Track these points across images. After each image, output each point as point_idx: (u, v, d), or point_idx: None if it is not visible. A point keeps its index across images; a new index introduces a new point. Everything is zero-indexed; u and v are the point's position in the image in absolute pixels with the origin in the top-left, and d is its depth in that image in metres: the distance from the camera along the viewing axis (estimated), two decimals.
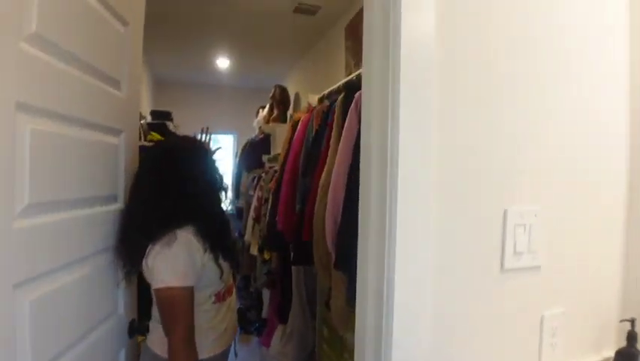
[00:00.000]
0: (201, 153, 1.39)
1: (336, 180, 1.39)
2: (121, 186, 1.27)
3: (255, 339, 3.43)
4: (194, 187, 1.29)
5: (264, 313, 3.19)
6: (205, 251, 1.26)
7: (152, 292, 1.22)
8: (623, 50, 0.97)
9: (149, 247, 1.21)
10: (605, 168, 0.97)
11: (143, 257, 1.21)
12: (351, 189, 1.31)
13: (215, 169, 1.41)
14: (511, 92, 0.85)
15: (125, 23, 1.23)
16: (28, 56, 0.80)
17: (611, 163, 0.98)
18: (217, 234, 1.32)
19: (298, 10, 3.06)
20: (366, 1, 0.84)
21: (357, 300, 0.87)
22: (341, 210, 1.35)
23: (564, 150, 0.91)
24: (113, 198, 1.24)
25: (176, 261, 1.20)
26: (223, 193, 1.43)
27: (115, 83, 1.20)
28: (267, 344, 2.79)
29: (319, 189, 1.54)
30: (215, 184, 1.39)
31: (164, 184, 1.26)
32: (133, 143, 1.35)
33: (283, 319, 2.67)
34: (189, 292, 1.21)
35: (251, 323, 3.71)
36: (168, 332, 1.20)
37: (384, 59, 0.76)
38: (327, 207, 1.41)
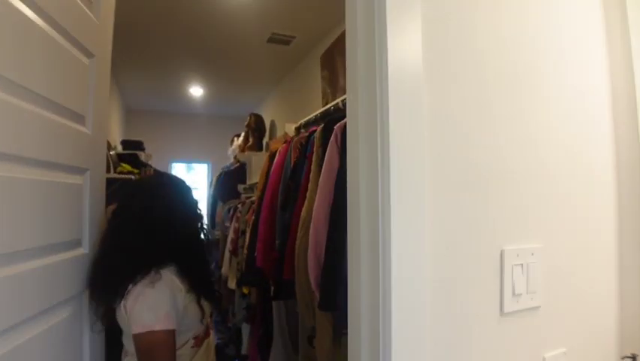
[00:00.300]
0: (180, 190, 1.34)
1: (318, 217, 1.32)
2: (86, 229, 1.16)
3: None
4: (175, 225, 1.24)
5: (244, 349, 3.04)
6: (187, 292, 1.20)
7: (132, 338, 1.12)
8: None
9: (129, 288, 1.13)
10: (598, 205, 0.95)
11: (119, 298, 1.13)
12: (334, 227, 1.26)
13: (194, 204, 1.36)
14: (503, 123, 0.82)
15: (89, 55, 1.15)
16: None
17: (604, 201, 0.96)
18: (198, 272, 1.27)
19: (272, 40, 3.05)
20: (348, 31, 0.79)
21: (349, 351, 0.79)
22: (324, 249, 1.28)
23: (558, 186, 0.88)
24: (77, 243, 1.14)
25: (159, 302, 1.12)
26: (201, 227, 1.36)
27: (79, 119, 1.12)
28: None
29: (300, 225, 1.47)
30: (195, 220, 1.34)
31: (142, 223, 1.20)
32: (99, 181, 1.26)
33: (264, 355, 2.54)
34: (172, 336, 1.12)
35: (230, 359, 3.54)
36: None
37: (370, 91, 0.71)
38: (309, 245, 1.34)
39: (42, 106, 0.92)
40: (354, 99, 0.76)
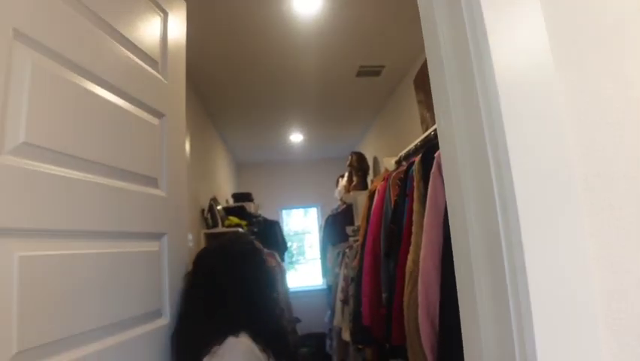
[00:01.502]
0: (257, 256, 1.25)
1: (426, 268, 1.06)
2: (166, 297, 1.08)
3: None
4: (254, 290, 1.15)
5: None
6: (268, 358, 1.09)
7: None
8: None
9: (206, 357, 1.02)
10: None
11: None
12: (447, 280, 0.98)
13: (270, 274, 1.27)
14: None
15: (158, 115, 1.10)
16: (17, 170, 0.65)
17: None
18: (275, 337, 1.15)
19: (361, 73, 2.91)
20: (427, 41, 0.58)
21: None
22: (438, 307, 1.00)
23: None
24: (157, 313, 1.05)
25: None
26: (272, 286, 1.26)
27: (151, 182, 1.05)
28: None
29: (407, 277, 1.21)
30: (273, 287, 1.26)
31: (221, 290, 1.12)
32: (179, 244, 1.17)
33: None
34: None
35: None
36: None
37: (468, 103, 0.48)
38: (420, 304, 1.08)
39: (103, 173, 0.86)
40: (448, 124, 0.53)
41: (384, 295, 1.48)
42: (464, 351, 0.57)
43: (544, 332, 0.40)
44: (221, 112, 3.70)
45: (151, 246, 1.04)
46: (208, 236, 2.90)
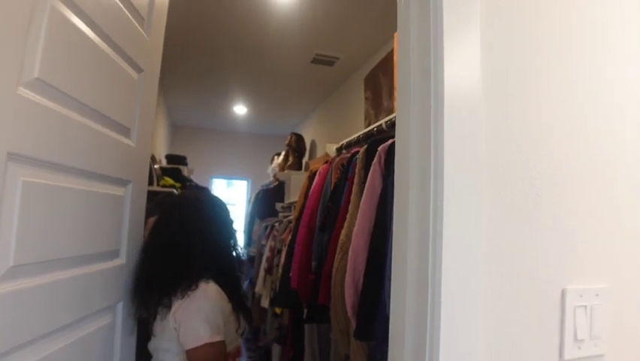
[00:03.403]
0: (227, 211, 1.37)
1: (357, 242, 1.27)
2: (124, 240, 1.17)
3: None
4: (223, 241, 1.29)
5: None
6: (228, 302, 1.23)
7: (175, 352, 1.15)
8: None
9: (175, 303, 1.14)
10: None
11: (165, 310, 1.15)
12: (373, 253, 1.19)
13: (230, 222, 1.38)
14: (566, 149, 0.75)
15: (138, 70, 1.17)
16: (26, 101, 0.73)
17: None
18: (234, 287, 1.29)
19: (316, 60, 3.07)
20: (400, 52, 0.76)
21: None
22: (362, 275, 1.22)
23: (626, 220, 0.79)
24: (115, 254, 1.14)
25: (213, 314, 1.14)
26: (234, 245, 1.37)
27: (124, 131, 1.13)
28: None
29: (338, 248, 1.42)
30: (230, 238, 1.35)
31: (196, 235, 1.23)
32: (141, 193, 1.26)
33: None
34: (224, 347, 1.15)
35: None
36: None
37: (423, 117, 0.66)
38: (347, 270, 1.29)
39: (90, 117, 0.94)
40: (405, 119, 0.71)
41: (313, 264, 1.68)
42: (391, 305, 0.75)
43: (449, 274, 0.61)
44: (167, 69, 3.65)
45: (118, 191, 1.12)
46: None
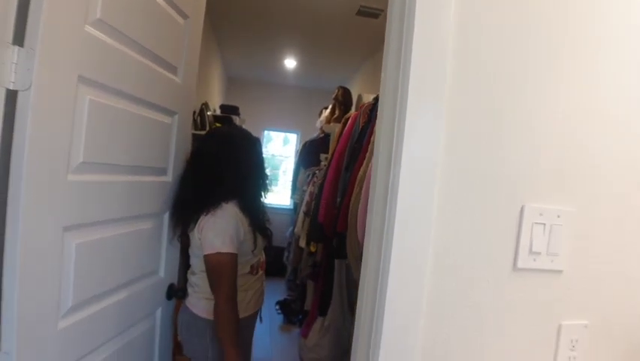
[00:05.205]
0: (255, 145, 1.56)
1: (369, 175, 1.41)
2: (171, 162, 1.40)
3: (296, 330, 3.51)
4: (246, 169, 1.47)
5: (307, 305, 3.26)
6: (247, 225, 1.41)
7: (201, 258, 1.37)
8: None
9: (201, 217, 1.36)
10: None
11: (193, 224, 1.37)
12: None
13: (260, 154, 1.57)
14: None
15: (184, 16, 1.35)
16: (91, 37, 0.93)
17: None
18: (256, 212, 1.48)
19: (361, 12, 3.10)
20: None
21: (358, 297, 0.89)
22: None
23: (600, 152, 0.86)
24: (163, 171, 1.37)
25: (226, 230, 1.35)
26: (263, 175, 1.56)
27: (172, 70, 1.33)
28: (306, 335, 2.85)
29: (356, 183, 1.57)
30: (263, 171, 1.55)
31: (221, 163, 1.43)
32: (185, 125, 1.48)
33: (322, 312, 2.71)
34: (235, 258, 1.36)
35: (294, 313, 3.81)
36: (216, 292, 1.35)
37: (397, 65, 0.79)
38: (361, 200, 1.44)
39: (144, 55, 1.14)
40: (385, 70, 0.84)
41: (338, 200, 1.85)
42: (367, 223, 0.90)
43: (405, 185, 0.75)
44: (224, 25, 3.83)
45: (166, 119, 1.34)
46: (195, 136, 3.18)
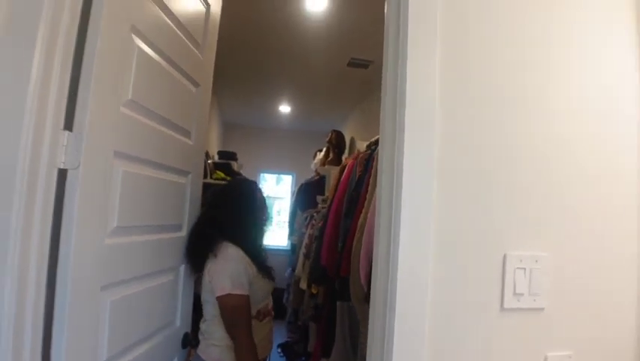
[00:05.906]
0: (259, 195, 1.71)
1: (370, 222, 1.54)
2: (185, 218, 1.51)
3: None
4: (252, 218, 1.61)
5: (310, 347, 3.28)
6: (256, 270, 1.53)
7: (212, 302, 1.47)
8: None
9: (209, 262, 1.48)
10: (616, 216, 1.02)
11: (203, 264, 1.49)
12: None
13: (264, 203, 1.72)
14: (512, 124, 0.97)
15: (196, 85, 1.51)
16: (125, 116, 1.07)
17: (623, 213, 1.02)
18: (261, 256, 1.61)
19: (352, 64, 3.33)
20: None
21: (368, 340, 1.01)
22: (373, 248, 1.49)
23: (567, 198, 0.99)
24: (179, 228, 1.49)
25: (236, 272, 1.46)
26: (265, 222, 1.72)
27: (186, 134, 1.47)
28: None
29: (357, 229, 1.69)
30: (266, 220, 1.70)
31: (230, 212, 1.59)
32: (198, 182, 1.61)
33: (326, 354, 2.75)
34: (247, 300, 1.46)
35: (297, 355, 3.81)
36: (233, 335, 1.44)
37: (393, 122, 0.93)
38: (363, 243, 1.56)
39: (164, 125, 1.28)
40: (383, 122, 0.99)
41: (339, 245, 1.97)
42: (372, 267, 1.02)
43: (405, 227, 0.87)
44: (222, 73, 4.05)
45: (181, 179, 1.47)
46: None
